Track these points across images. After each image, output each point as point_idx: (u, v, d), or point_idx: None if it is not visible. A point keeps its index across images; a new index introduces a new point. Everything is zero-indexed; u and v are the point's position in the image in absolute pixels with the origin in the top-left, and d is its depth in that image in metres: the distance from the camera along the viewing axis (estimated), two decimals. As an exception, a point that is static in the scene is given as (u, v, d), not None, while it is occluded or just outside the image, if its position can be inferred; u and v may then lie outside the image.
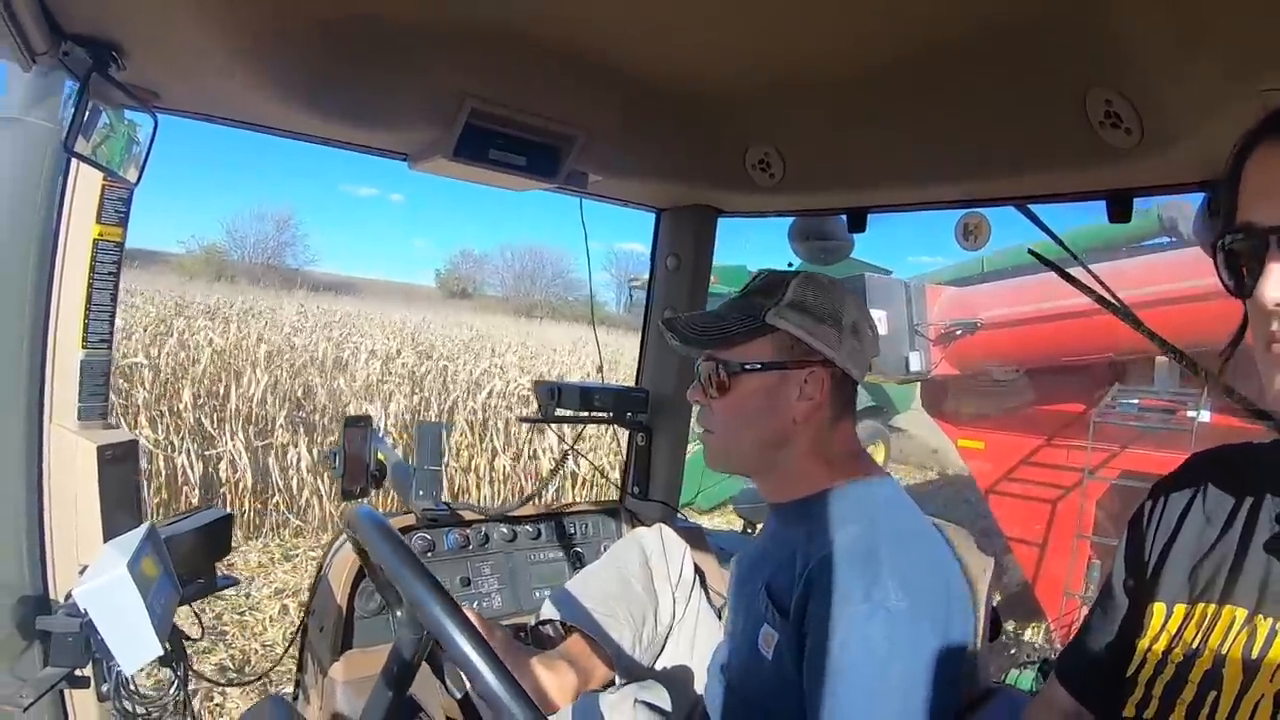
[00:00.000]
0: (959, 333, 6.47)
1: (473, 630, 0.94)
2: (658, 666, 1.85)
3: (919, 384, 7.11)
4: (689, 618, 1.89)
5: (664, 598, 1.86)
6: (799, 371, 1.52)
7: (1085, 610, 4.91)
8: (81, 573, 1.34)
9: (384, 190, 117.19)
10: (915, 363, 6.33)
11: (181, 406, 7.99)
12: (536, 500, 2.51)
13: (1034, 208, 1.85)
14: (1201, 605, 0.97)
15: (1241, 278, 0.87)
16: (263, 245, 55.72)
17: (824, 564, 1.36)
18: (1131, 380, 6.06)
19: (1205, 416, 5.38)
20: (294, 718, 1.24)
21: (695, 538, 2.44)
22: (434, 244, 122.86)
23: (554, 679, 1.63)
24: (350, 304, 23.93)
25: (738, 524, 3.21)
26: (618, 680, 1.72)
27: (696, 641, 1.87)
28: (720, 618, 1.93)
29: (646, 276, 2.60)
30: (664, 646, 1.87)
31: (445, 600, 0.97)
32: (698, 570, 1.97)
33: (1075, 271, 1.89)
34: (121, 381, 7.95)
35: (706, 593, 1.99)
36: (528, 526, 2.34)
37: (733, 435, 1.58)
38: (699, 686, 1.82)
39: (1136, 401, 5.83)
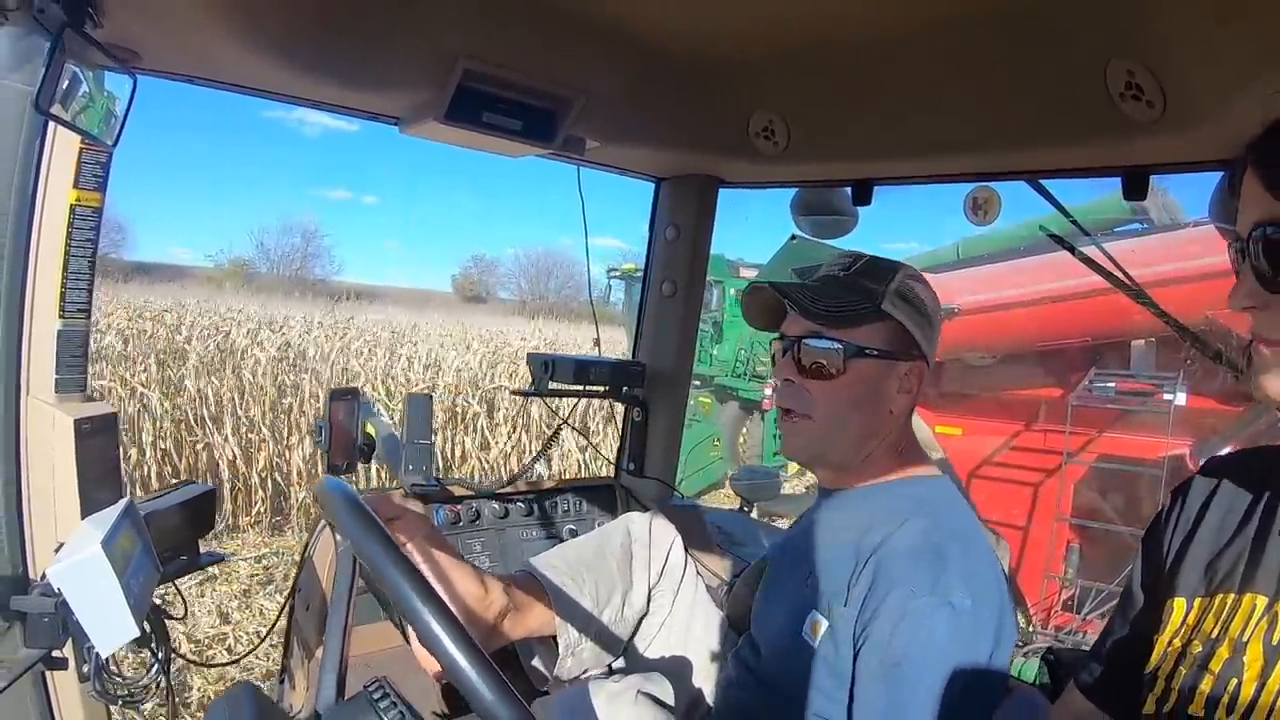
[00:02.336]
0: None
1: (448, 614, 0.89)
2: (651, 656, 1.79)
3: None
4: (680, 610, 1.82)
5: (639, 585, 1.79)
6: (904, 363, 1.49)
7: (1065, 593, 4.96)
8: (58, 550, 1.30)
9: (357, 193, 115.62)
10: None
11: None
12: (528, 477, 2.47)
13: (1047, 183, 1.81)
14: (1220, 596, 0.97)
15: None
16: (290, 257, 58.14)
17: (891, 555, 1.34)
18: (1108, 364, 6.08)
19: (1181, 400, 5.44)
20: (263, 702, 1.22)
21: (692, 517, 2.41)
22: (405, 246, 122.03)
23: (477, 592, 1.54)
24: (393, 313, 23.74)
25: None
26: (561, 648, 1.66)
27: (693, 633, 1.81)
28: (721, 606, 1.89)
29: (625, 265, 2.56)
30: (634, 636, 1.81)
31: (416, 581, 0.92)
32: (691, 558, 1.90)
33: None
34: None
35: (701, 579, 1.92)
36: (520, 503, 2.31)
37: (837, 421, 1.50)
38: (699, 680, 1.78)
39: (1113, 385, 5.86)
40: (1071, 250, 1.86)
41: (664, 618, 1.80)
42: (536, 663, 1.70)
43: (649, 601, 1.80)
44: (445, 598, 0.97)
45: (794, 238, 2.50)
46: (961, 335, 6.51)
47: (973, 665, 1.28)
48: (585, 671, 1.71)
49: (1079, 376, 6.07)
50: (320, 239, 60.62)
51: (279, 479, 8.35)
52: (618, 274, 13.68)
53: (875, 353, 1.47)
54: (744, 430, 12.19)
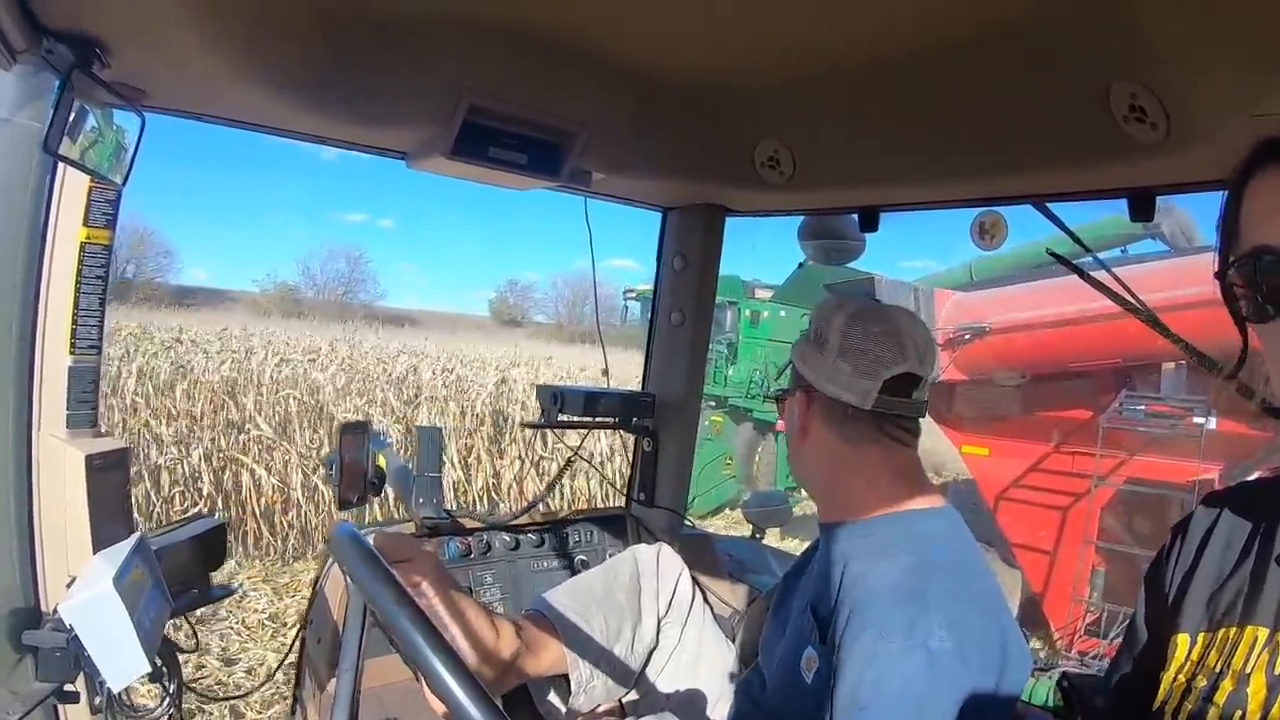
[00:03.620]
0: (967, 337, 6.46)
1: (462, 669, 0.89)
2: (662, 687, 1.78)
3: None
4: (689, 641, 1.82)
5: (648, 617, 1.79)
6: (794, 395, 1.57)
7: (1090, 615, 4.84)
8: (70, 584, 1.31)
9: (372, 216, 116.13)
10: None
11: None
12: (540, 508, 2.47)
13: (1053, 207, 1.81)
14: (1223, 630, 0.96)
15: (1260, 302, 0.86)
16: (336, 282, 62.66)
17: (867, 594, 1.34)
18: (1138, 387, 6.03)
19: (1212, 424, 5.40)
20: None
21: (703, 545, 2.41)
22: (421, 268, 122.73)
23: (490, 635, 1.52)
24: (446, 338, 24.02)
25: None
26: (573, 685, 1.66)
27: (702, 664, 1.80)
28: (733, 636, 1.88)
29: (640, 287, 2.57)
30: (644, 668, 1.80)
31: (429, 633, 0.92)
32: (700, 588, 1.90)
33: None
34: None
35: (710, 609, 1.92)
36: (531, 535, 2.31)
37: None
38: (709, 710, 1.76)
39: (1143, 408, 5.81)
40: (1079, 272, 1.85)
41: (673, 649, 1.80)
42: (551, 699, 1.70)
43: (658, 634, 1.80)
44: (458, 640, 0.98)
45: (802, 265, 2.51)
46: (992, 354, 6.48)
47: (957, 708, 1.25)
48: (597, 707, 1.71)
49: (1108, 398, 6.04)
50: (365, 264, 64.81)
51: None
52: (634, 295, 13.75)
53: (781, 392, 1.65)
54: (759, 451, 12.23)
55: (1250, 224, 0.87)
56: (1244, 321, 0.92)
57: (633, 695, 1.79)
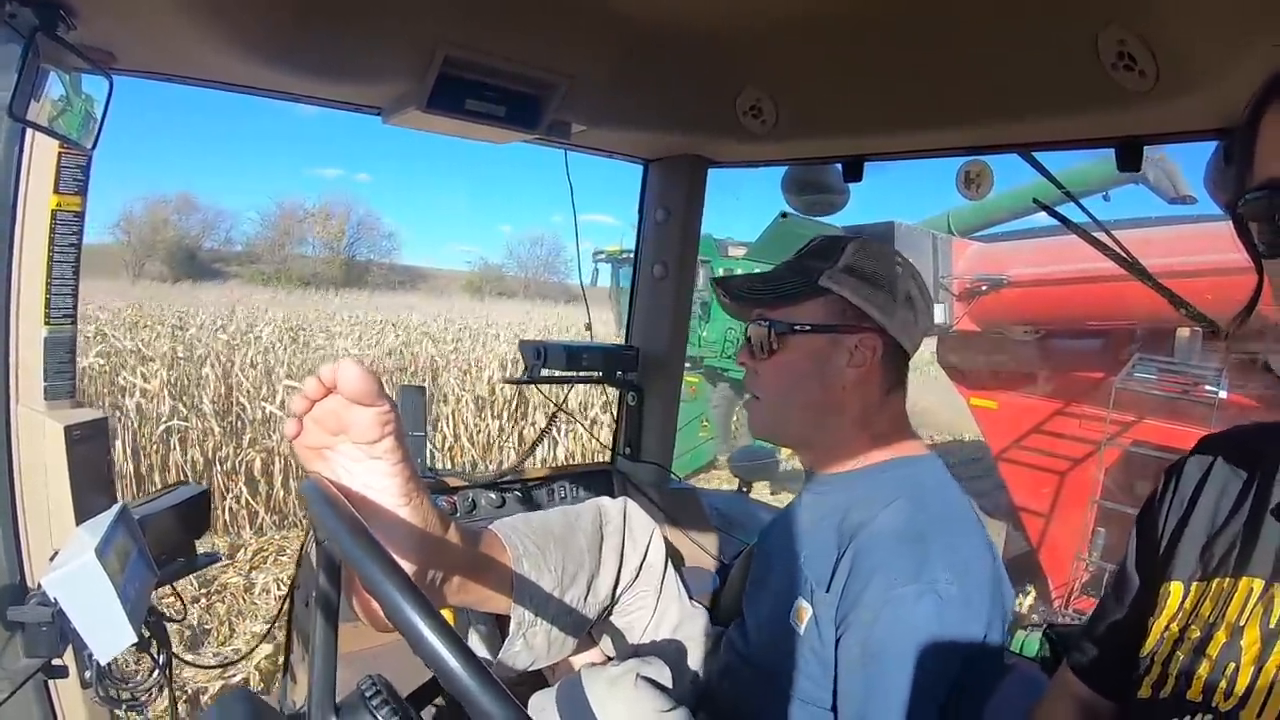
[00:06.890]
0: (984, 288, 6.39)
1: (433, 614, 0.87)
2: (644, 640, 1.71)
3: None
4: (669, 613, 1.71)
5: (606, 571, 1.61)
6: (850, 336, 1.47)
7: (1087, 575, 4.84)
8: (53, 558, 1.30)
9: (349, 170, 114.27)
10: (939, 315, 6.24)
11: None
12: (525, 465, 2.46)
13: (1040, 155, 1.80)
14: (1217, 580, 0.96)
15: (1274, 236, 0.84)
16: (536, 264, 72.05)
17: (872, 541, 1.34)
18: (1151, 350, 6.00)
19: (1223, 394, 5.34)
20: (257, 705, 1.21)
21: (689, 500, 2.41)
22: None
23: (438, 526, 1.24)
24: None
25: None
26: (512, 626, 1.42)
27: (683, 620, 1.73)
28: (715, 590, 1.86)
29: (610, 248, 2.53)
30: (600, 618, 1.64)
31: (398, 579, 0.90)
32: (671, 554, 1.78)
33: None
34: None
35: (681, 576, 1.80)
36: (516, 491, 2.30)
37: (780, 400, 1.54)
38: (690, 664, 1.71)
39: (1154, 375, 5.77)
40: (1064, 221, 1.85)
41: (648, 621, 1.70)
42: (475, 644, 1.56)
43: (615, 593, 1.65)
44: (403, 523, 1.08)
45: (784, 215, 2.48)
46: (1008, 307, 6.42)
47: (963, 651, 1.28)
48: (534, 663, 1.50)
49: (1121, 360, 5.97)
50: (563, 248, 72.86)
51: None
52: (603, 256, 13.60)
53: (809, 328, 1.48)
54: (736, 411, 12.26)
55: (1265, 157, 0.85)
56: (1259, 259, 0.90)
57: (597, 654, 1.71)
